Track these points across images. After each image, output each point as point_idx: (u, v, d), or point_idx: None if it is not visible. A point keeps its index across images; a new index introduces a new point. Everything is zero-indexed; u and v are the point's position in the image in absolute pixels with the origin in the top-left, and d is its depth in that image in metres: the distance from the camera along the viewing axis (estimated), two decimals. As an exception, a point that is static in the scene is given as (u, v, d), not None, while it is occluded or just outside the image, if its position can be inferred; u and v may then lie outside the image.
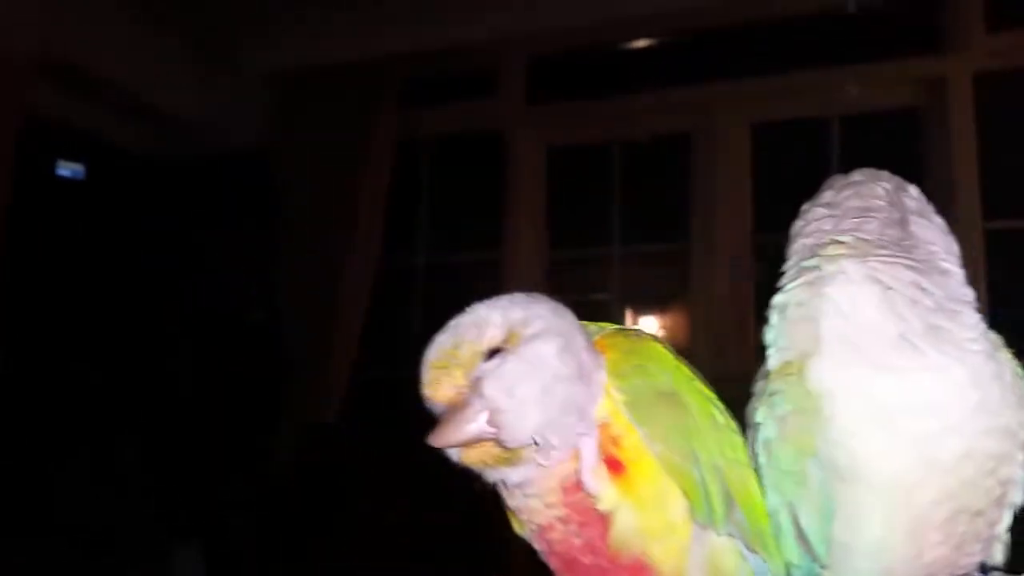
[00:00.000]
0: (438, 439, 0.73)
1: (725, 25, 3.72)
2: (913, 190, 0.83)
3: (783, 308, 0.80)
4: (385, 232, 4.13)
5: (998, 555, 0.74)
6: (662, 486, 0.74)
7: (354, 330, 4.09)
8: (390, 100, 4.10)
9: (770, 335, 0.81)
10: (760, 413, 0.77)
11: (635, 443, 0.74)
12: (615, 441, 0.75)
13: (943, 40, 3.44)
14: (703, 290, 3.76)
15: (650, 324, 4.04)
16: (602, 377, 0.76)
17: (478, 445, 0.74)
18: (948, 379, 0.68)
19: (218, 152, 4.35)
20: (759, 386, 0.80)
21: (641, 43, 3.96)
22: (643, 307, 4.09)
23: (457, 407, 0.74)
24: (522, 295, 0.81)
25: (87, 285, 4.12)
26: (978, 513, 0.70)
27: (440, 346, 0.77)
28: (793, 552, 0.76)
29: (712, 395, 0.80)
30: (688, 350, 3.82)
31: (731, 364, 3.55)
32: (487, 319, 0.78)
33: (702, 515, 0.75)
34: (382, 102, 4.08)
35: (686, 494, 0.74)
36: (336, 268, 4.07)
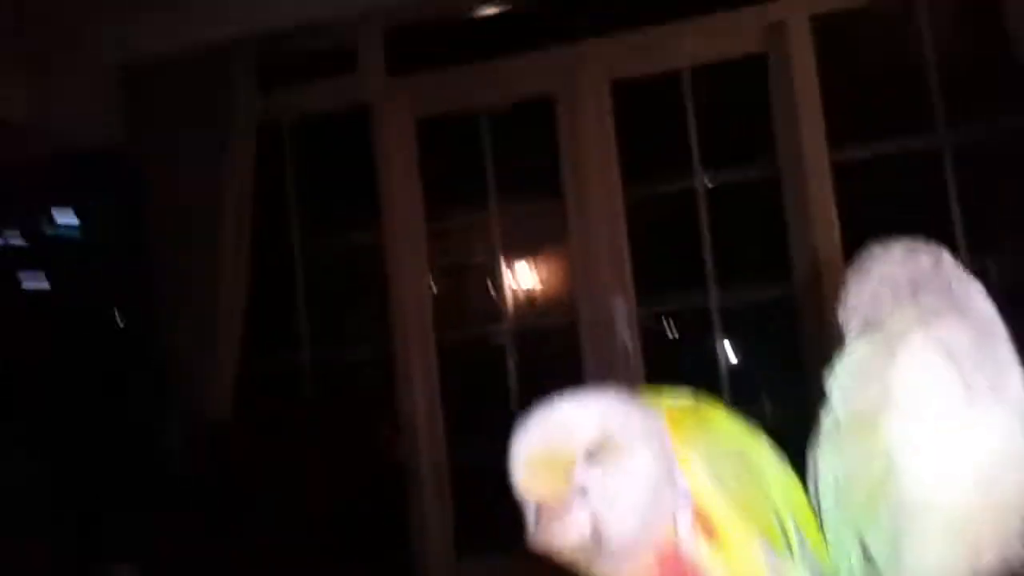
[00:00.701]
0: (543, 540, 0.77)
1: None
2: (947, 257, 0.91)
3: (852, 368, 0.90)
4: (257, 219, 4.05)
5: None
6: (745, 537, 0.82)
7: (236, 322, 4.01)
8: (248, 83, 4.00)
9: (836, 389, 0.91)
10: (832, 460, 0.88)
11: (718, 504, 0.81)
12: (702, 508, 0.81)
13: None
14: (580, 243, 3.89)
15: (531, 279, 4.16)
16: (679, 452, 0.82)
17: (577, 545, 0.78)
18: (1003, 428, 0.81)
19: (71, 152, 4.14)
20: (826, 430, 0.90)
21: (496, 8, 4.00)
22: (523, 264, 4.19)
23: (556, 508, 0.77)
24: (607, 394, 0.83)
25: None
26: (1016, 525, 0.84)
27: (534, 445, 0.79)
28: (859, 572, 0.88)
29: (769, 445, 0.88)
30: (569, 302, 3.96)
31: (606, 311, 3.75)
32: (582, 422, 0.79)
33: (782, 552, 0.84)
34: (239, 86, 3.97)
35: (767, 537, 0.83)
36: (209, 260, 3.98)
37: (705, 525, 0.81)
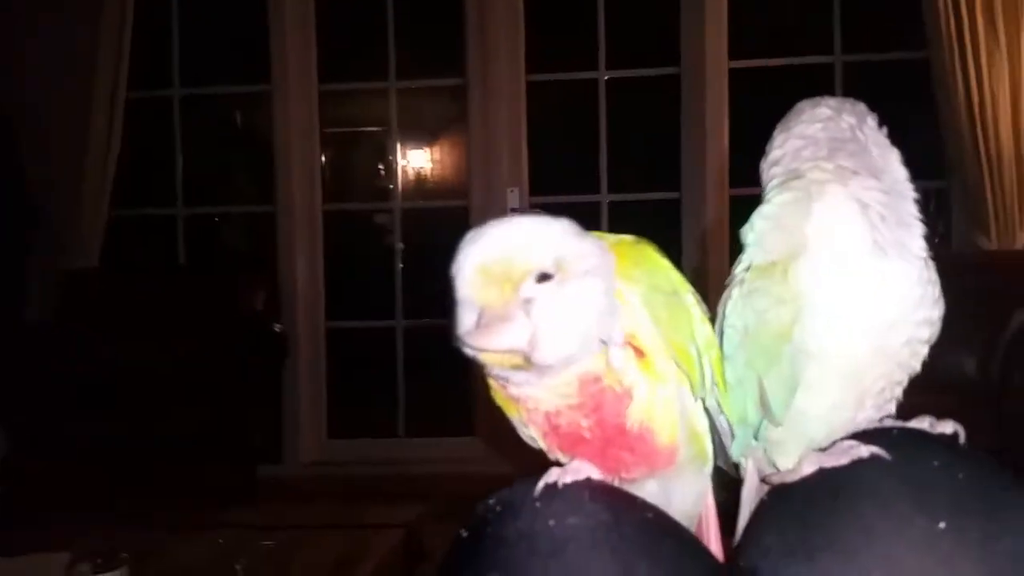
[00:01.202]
0: (476, 342, 0.75)
1: None
2: (872, 120, 0.93)
3: (769, 217, 0.91)
4: (136, 63, 3.82)
5: (893, 409, 0.93)
6: (668, 365, 0.87)
7: (107, 170, 3.82)
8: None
9: (751, 236, 0.92)
10: (740, 303, 0.90)
11: (649, 334, 0.85)
12: (633, 334, 0.85)
13: None
14: (479, 124, 3.85)
15: (424, 156, 4.10)
16: (618, 286, 0.84)
17: (509, 354, 0.77)
18: (904, 280, 0.85)
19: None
20: (738, 278, 0.92)
21: None
22: (418, 140, 4.13)
23: (497, 316, 0.76)
24: (568, 223, 0.82)
25: None
26: (898, 383, 0.90)
27: (489, 252, 0.77)
28: (751, 413, 0.93)
29: (693, 290, 0.92)
30: (464, 184, 3.94)
31: (500, 199, 3.76)
32: (541, 240, 0.79)
33: (697, 390, 0.89)
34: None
35: (688, 374, 0.88)
36: (81, 103, 3.74)
37: (634, 347, 0.85)
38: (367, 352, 4.10)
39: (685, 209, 3.76)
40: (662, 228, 3.83)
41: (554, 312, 0.77)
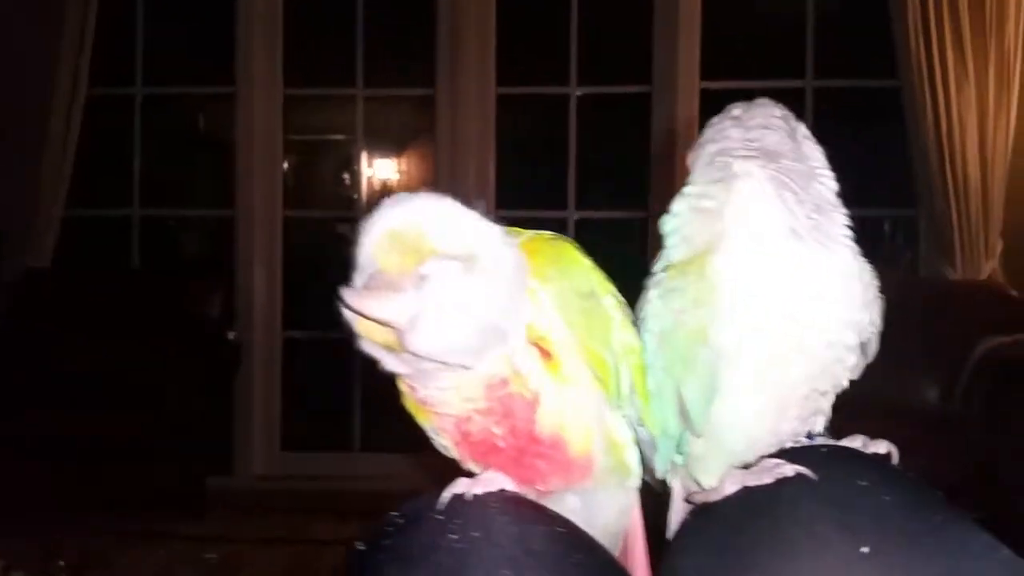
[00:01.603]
0: (355, 302, 0.71)
1: None
2: (802, 126, 0.91)
3: (691, 199, 0.86)
4: (98, 60, 3.76)
5: (821, 426, 0.88)
6: (580, 370, 0.81)
7: (64, 168, 3.74)
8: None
9: (672, 224, 0.87)
10: (656, 305, 0.85)
11: (560, 336, 0.80)
12: (542, 336, 0.79)
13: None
14: (447, 136, 3.81)
15: (390, 167, 4.06)
16: (529, 284, 0.79)
17: (384, 329, 0.73)
18: (825, 269, 0.80)
19: None
20: (656, 278, 0.87)
21: None
22: (385, 150, 4.08)
23: (388, 283, 0.71)
24: (484, 219, 0.78)
25: None
26: (824, 393, 0.84)
27: (404, 219, 0.74)
28: (671, 424, 0.87)
29: (616, 292, 0.87)
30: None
31: (476, 210, 3.68)
32: (460, 225, 0.75)
33: (613, 398, 0.84)
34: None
35: (603, 381, 0.83)
36: (41, 99, 3.67)
37: (541, 349, 0.80)
38: (324, 364, 4.03)
39: (652, 229, 3.73)
40: (628, 247, 3.80)
41: (447, 298, 0.72)
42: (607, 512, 0.91)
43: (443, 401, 0.81)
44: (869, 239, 4.03)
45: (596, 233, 3.88)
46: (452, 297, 0.72)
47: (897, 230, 4.01)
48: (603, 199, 3.92)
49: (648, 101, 3.77)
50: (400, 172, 4.10)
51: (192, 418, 3.39)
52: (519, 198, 3.89)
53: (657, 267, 0.89)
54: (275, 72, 3.88)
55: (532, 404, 0.80)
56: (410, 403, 0.86)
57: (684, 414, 0.85)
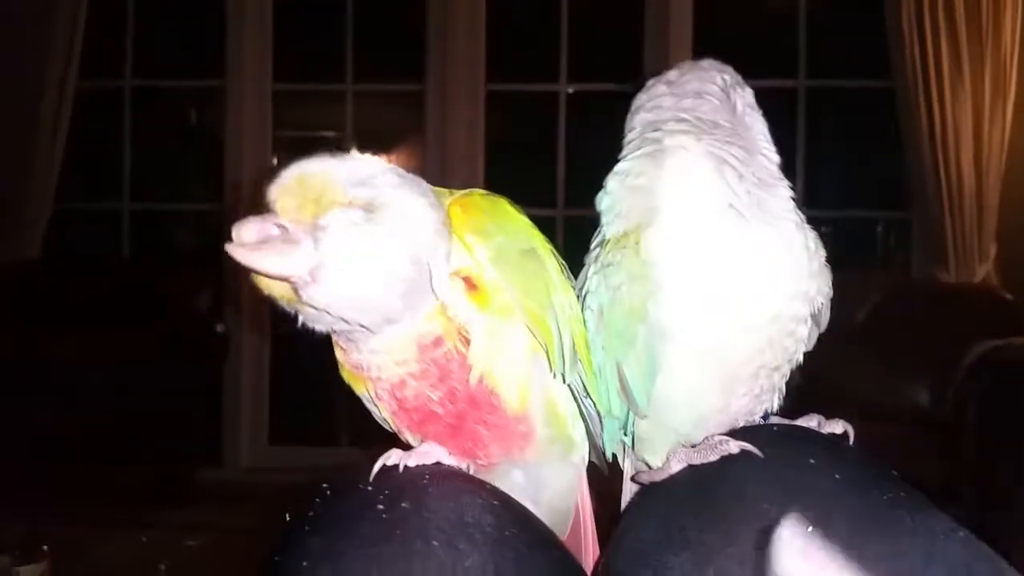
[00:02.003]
0: (245, 257, 0.66)
1: None
2: (749, 91, 0.88)
3: (623, 176, 0.83)
4: (88, 53, 3.74)
5: (776, 403, 0.86)
6: (514, 320, 0.77)
7: (53, 160, 3.73)
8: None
9: (606, 201, 0.84)
10: (594, 281, 0.82)
11: (497, 290, 0.76)
12: (469, 271, 0.76)
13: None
14: (437, 133, 3.79)
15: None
16: (467, 239, 0.76)
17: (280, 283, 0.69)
18: (767, 245, 0.76)
19: None
20: (593, 254, 0.84)
21: None
22: (374, 145, 4.06)
23: (290, 230, 0.68)
24: (392, 166, 0.75)
25: None
26: (776, 368, 0.81)
27: (311, 167, 0.71)
28: (615, 404, 0.84)
29: (556, 253, 0.84)
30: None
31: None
32: (365, 174, 0.72)
33: (557, 365, 0.80)
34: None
35: (544, 344, 0.79)
36: (30, 91, 3.65)
37: (468, 281, 0.77)
38: (313, 358, 4.00)
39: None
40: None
41: (346, 249, 0.68)
42: (552, 488, 0.88)
43: (376, 365, 0.78)
44: (861, 240, 4.05)
45: (585, 231, 3.85)
46: (352, 248, 0.69)
47: (890, 232, 3.98)
48: (592, 197, 3.90)
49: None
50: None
51: (178, 410, 3.38)
52: (507, 195, 3.86)
53: (594, 243, 0.86)
54: (265, 66, 3.86)
55: (467, 364, 0.77)
56: (346, 372, 0.83)
57: (626, 393, 0.82)
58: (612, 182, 0.85)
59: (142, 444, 3.30)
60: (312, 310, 0.71)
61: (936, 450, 2.81)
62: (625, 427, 0.86)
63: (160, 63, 3.98)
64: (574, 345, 0.83)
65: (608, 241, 0.83)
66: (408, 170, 0.79)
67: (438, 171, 3.77)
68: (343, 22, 3.89)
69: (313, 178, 0.70)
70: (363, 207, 0.70)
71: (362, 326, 0.73)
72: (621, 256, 0.80)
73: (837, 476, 0.72)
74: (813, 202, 3.68)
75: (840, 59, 3.82)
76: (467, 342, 0.77)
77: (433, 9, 3.75)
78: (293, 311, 0.73)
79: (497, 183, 3.79)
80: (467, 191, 0.83)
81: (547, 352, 0.80)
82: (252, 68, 3.82)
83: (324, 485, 0.78)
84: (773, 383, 0.83)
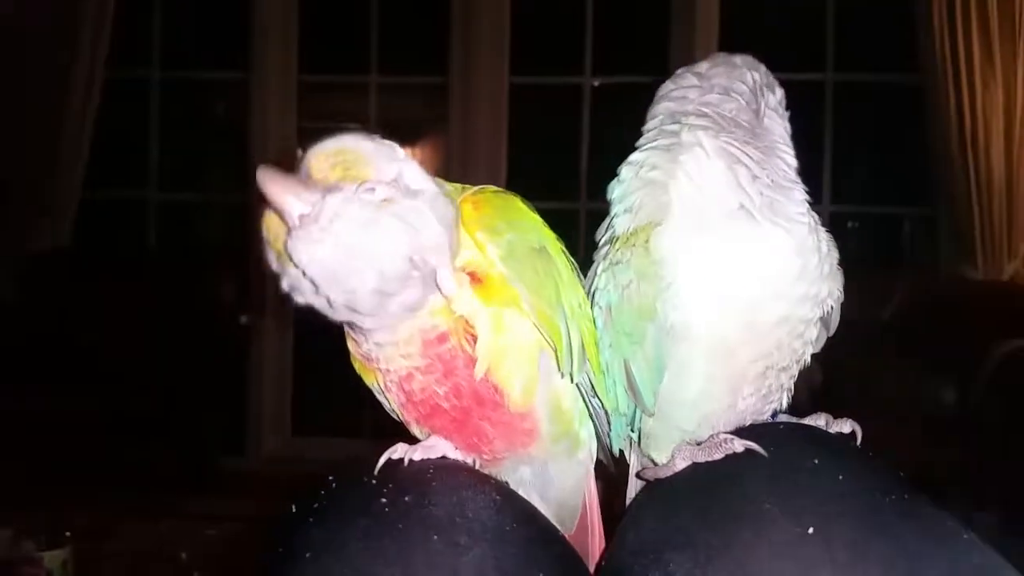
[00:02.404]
0: (264, 177, 0.68)
1: None
2: (779, 91, 0.87)
3: (636, 167, 0.82)
4: (115, 43, 3.78)
5: (785, 402, 0.86)
6: (521, 315, 0.77)
7: (81, 150, 3.77)
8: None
9: (618, 191, 0.83)
10: (603, 279, 0.82)
11: (500, 276, 0.76)
12: (475, 264, 0.77)
13: None
14: (460, 125, 3.79)
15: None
16: (478, 237, 0.77)
17: (279, 220, 0.70)
18: (777, 248, 0.76)
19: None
20: (603, 251, 0.83)
21: None
22: (398, 138, 4.06)
23: (307, 183, 0.69)
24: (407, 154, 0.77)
25: None
26: (784, 369, 0.81)
27: (350, 142, 0.74)
28: (622, 401, 0.84)
29: (566, 251, 0.84)
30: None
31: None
32: (395, 166, 0.73)
33: (565, 365, 0.80)
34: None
35: (553, 343, 0.79)
36: (58, 79, 3.70)
37: (472, 275, 0.77)
38: (336, 350, 4.02)
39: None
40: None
41: (346, 218, 0.68)
42: (559, 485, 0.89)
43: (384, 357, 0.79)
44: (888, 237, 4.00)
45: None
46: (348, 219, 0.69)
47: (917, 229, 3.93)
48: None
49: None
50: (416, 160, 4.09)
51: (201, 399, 3.43)
52: (531, 188, 3.87)
53: (602, 238, 0.86)
54: (290, 58, 3.88)
55: (472, 361, 0.77)
56: (357, 363, 0.85)
57: (633, 391, 0.83)
58: (626, 171, 0.84)
59: (165, 433, 3.35)
60: (292, 270, 0.71)
61: (960, 449, 2.79)
62: (632, 424, 0.86)
63: (186, 54, 4.01)
64: (583, 344, 0.83)
65: (618, 238, 0.82)
66: (431, 163, 0.80)
67: (461, 164, 3.78)
68: (368, 14, 3.91)
69: (349, 151, 0.72)
70: (381, 193, 0.71)
71: (330, 304, 0.73)
72: (631, 254, 0.79)
73: (840, 477, 0.71)
74: (839, 197, 3.64)
75: (868, 53, 3.78)
76: (473, 339, 0.78)
77: (457, 1, 3.75)
78: (280, 271, 0.73)
79: (520, 176, 3.81)
80: (480, 188, 0.84)
81: (555, 351, 0.80)
82: (277, 60, 3.84)
83: (330, 477, 0.78)
84: (781, 383, 0.83)
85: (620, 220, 0.83)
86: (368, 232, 0.70)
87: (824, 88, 3.74)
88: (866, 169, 3.88)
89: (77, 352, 3.38)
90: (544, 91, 3.99)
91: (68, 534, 2.59)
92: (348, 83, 4.08)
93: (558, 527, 0.90)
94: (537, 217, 0.83)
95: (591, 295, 0.85)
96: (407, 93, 4.15)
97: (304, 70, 3.89)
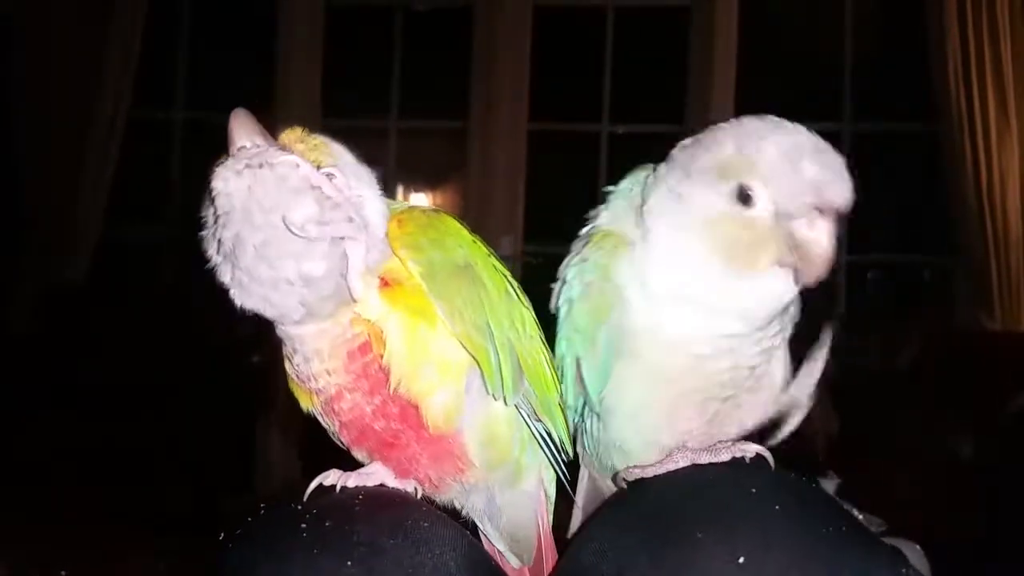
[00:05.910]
0: (237, 114, 0.75)
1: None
2: None
3: (620, 195, 0.86)
4: (140, 85, 3.95)
5: (751, 425, 0.85)
6: (436, 327, 0.77)
7: (102, 187, 3.92)
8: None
9: (624, 183, 0.88)
10: (571, 272, 0.84)
11: (413, 284, 0.77)
12: (389, 269, 0.78)
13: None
14: (478, 170, 3.92)
15: (423, 200, 4.18)
16: (400, 253, 0.78)
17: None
18: (739, 294, 0.76)
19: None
20: (577, 245, 0.86)
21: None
22: (417, 181, 4.20)
23: (268, 138, 0.75)
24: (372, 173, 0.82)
25: None
26: (728, 399, 0.82)
27: (323, 137, 0.79)
28: (570, 394, 0.87)
29: (505, 270, 0.85)
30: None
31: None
32: (366, 182, 0.79)
33: (494, 386, 0.80)
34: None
35: (480, 366, 0.79)
36: (82, 117, 3.85)
37: (383, 280, 0.78)
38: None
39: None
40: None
41: (269, 183, 0.72)
42: (509, 516, 0.88)
43: (312, 376, 0.79)
44: (905, 286, 4.03)
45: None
46: (269, 183, 0.72)
47: (935, 278, 3.99)
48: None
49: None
50: (431, 203, 4.22)
51: (208, 437, 3.49)
52: (547, 233, 3.97)
53: (583, 231, 0.87)
54: (314, 102, 4.02)
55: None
56: (292, 384, 0.84)
57: (582, 384, 0.84)
58: (643, 176, 0.86)
59: (173, 471, 3.39)
60: (220, 209, 0.76)
61: (977, 500, 2.80)
62: (579, 417, 0.88)
63: (210, 96, 4.18)
64: (519, 366, 0.82)
65: (596, 233, 0.84)
66: (450, 207, 0.84)
67: (479, 208, 3.90)
68: (390, 60, 4.08)
69: (326, 144, 0.78)
70: (321, 180, 0.74)
71: (236, 254, 0.77)
72: (599, 255, 0.82)
73: (777, 507, 0.72)
74: (856, 248, 3.71)
75: (884, 103, 3.89)
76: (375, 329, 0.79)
77: (478, 49, 3.90)
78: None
79: (537, 221, 3.90)
80: (409, 206, 0.85)
81: (482, 371, 0.80)
82: (300, 103, 3.98)
83: (262, 504, 0.80)
84: (729, 411, 0.85)
85: (605, 214, 0.87)
86: (285, 190, 0.72)
87: (841, 138, 3.84)
88: (884, 219, 3.96)
89: (87, 387, 3.46)
90: (562, 136, 4.12)
91: (63, 573, 2.63)
92: (369, 127, 4.22)
93: (515, 558, 0.90)
94: (467, 235, 0.84)
95: (561, 284, 0.86)
96: (427, 137, 4.28)
97: (326, 114, 4.04)
